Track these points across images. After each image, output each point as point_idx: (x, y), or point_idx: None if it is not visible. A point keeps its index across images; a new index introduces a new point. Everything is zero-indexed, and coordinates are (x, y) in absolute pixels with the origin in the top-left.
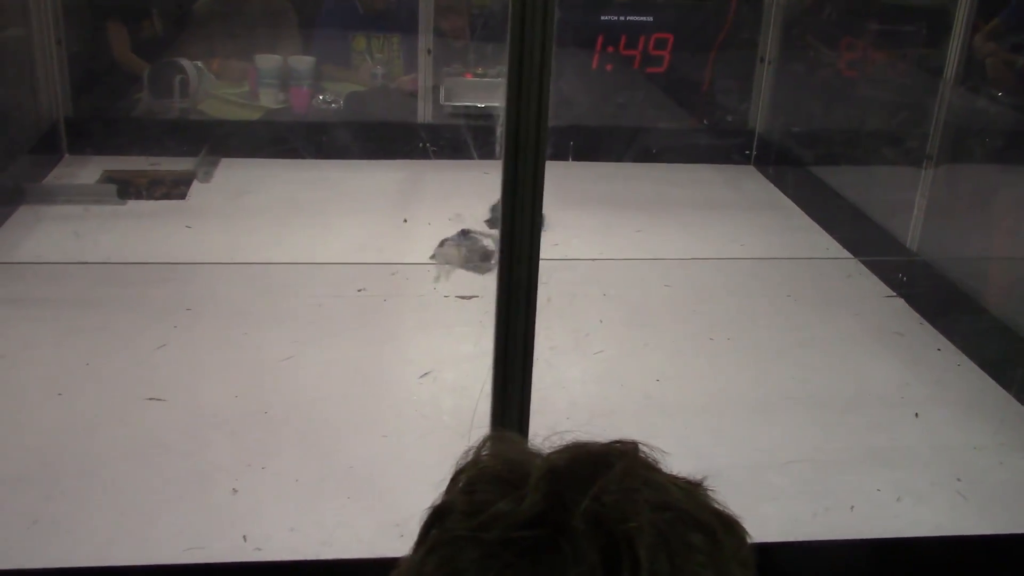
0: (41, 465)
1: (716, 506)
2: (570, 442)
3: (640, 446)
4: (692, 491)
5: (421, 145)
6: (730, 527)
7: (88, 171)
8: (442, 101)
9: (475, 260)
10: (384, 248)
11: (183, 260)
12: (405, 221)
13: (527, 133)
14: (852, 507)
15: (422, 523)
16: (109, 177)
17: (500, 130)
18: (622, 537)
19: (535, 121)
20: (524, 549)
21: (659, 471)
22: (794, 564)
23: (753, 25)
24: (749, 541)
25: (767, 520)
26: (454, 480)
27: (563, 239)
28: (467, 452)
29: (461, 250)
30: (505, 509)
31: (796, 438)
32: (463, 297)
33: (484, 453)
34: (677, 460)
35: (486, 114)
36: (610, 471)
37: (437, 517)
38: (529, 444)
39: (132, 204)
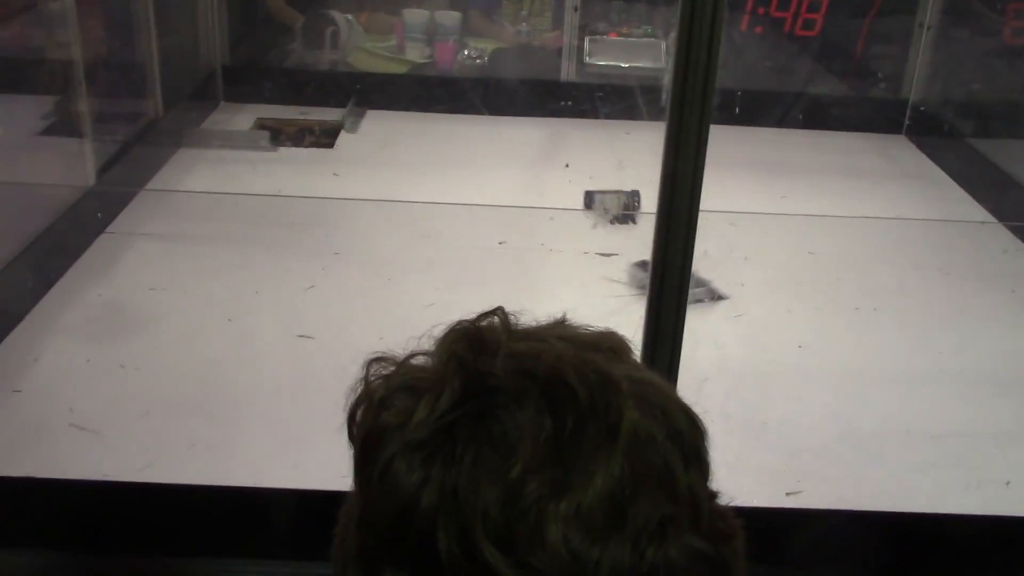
0: (198, 391)
1: (588, 327)
2: (444, 331)
3: (502, 308)
4: (566, 324)
5: (564, 103)
6: (612, 336)
7: (242, 118)
8: (586, 60)
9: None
10: (537, 194)
11: (332, 200)
12: (567, 166)
13: (694, 93)
14: (1008, 483)
15: (353, 459)
16: (261, 125)
17: (667, 86)
18: (548, 372)
19: (702, 81)
20: (469, 422)
21: (528, 324)
22: (942, 536)
23: None
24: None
25: (915, 490)
26: (352, 417)
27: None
28: (354, 387)
29: (620, 197)
30: (431, 405)
31: (947, 412)
32: (604, 254)
33: (372, 379)
34: (823, 424)
35: (629, 74)
36: (498, 332)
37: (371, 443)
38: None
39: (282, 151)
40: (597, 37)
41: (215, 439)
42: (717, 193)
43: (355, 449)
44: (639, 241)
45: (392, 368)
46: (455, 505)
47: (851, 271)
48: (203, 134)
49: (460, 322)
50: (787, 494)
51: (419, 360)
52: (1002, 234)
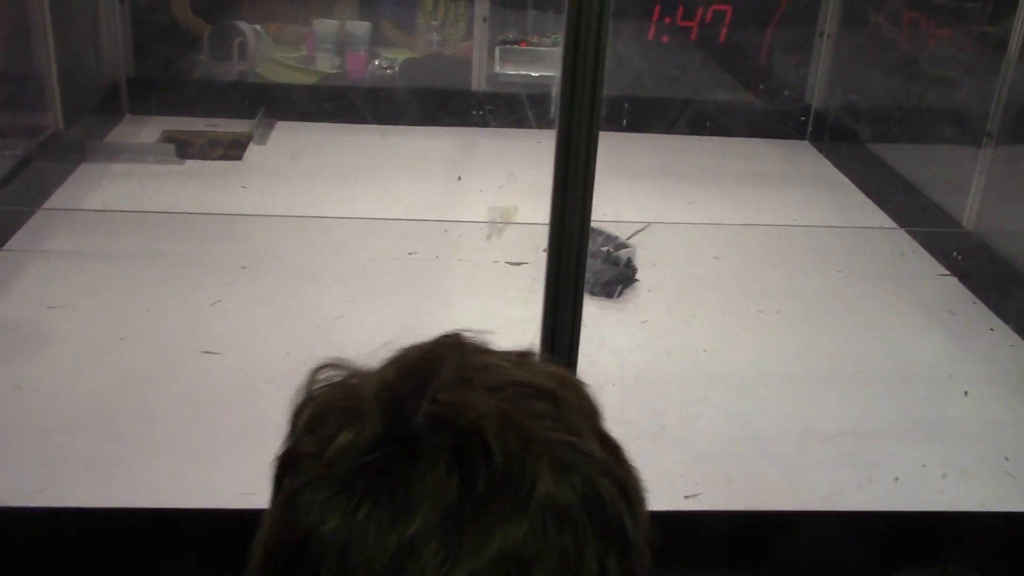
0: (98, 410)
1: (549, 368)
2: (397, 351)
3: (463, 333)
4: (524, 361)
5: (475, 112)
6: (566, 383)
7: (148, 131)
8: (496, 69)
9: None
10: (437, 207)
11: (239, 215)
12: (459, 179)
13: (582, 102)
14: (897, 479)
15: (272, 476)
16: (168, 137)
17: (555, 97)
18: (468, 429)
19: (590, 90)
20: (375, 472)
21: (489, 352)
22: (837, 534)
23: None
24: (588, 391)
25: (811, 489)
26: (293, 423)
27: (612, 209)
28: (301, 390)
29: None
30: (349, 439)
31: (842, 411)
32: (513, 263)
33: (316, 387)
34: (722, 427)
35: (540, 83)
36: (441, 368)
37: (287, 465)
38: (360, 363)
39: (190, 164)
40: (507, 47)
41: (116, 459)
42: (626, 201)
43: (277, 463)
44: None
45: (340, 376)
46: (342, 554)
47: (754, 275)
48: (107, 147)
49: (413, 348)
50: (686, 497)
51: (358, 381)
52: (900, 237)
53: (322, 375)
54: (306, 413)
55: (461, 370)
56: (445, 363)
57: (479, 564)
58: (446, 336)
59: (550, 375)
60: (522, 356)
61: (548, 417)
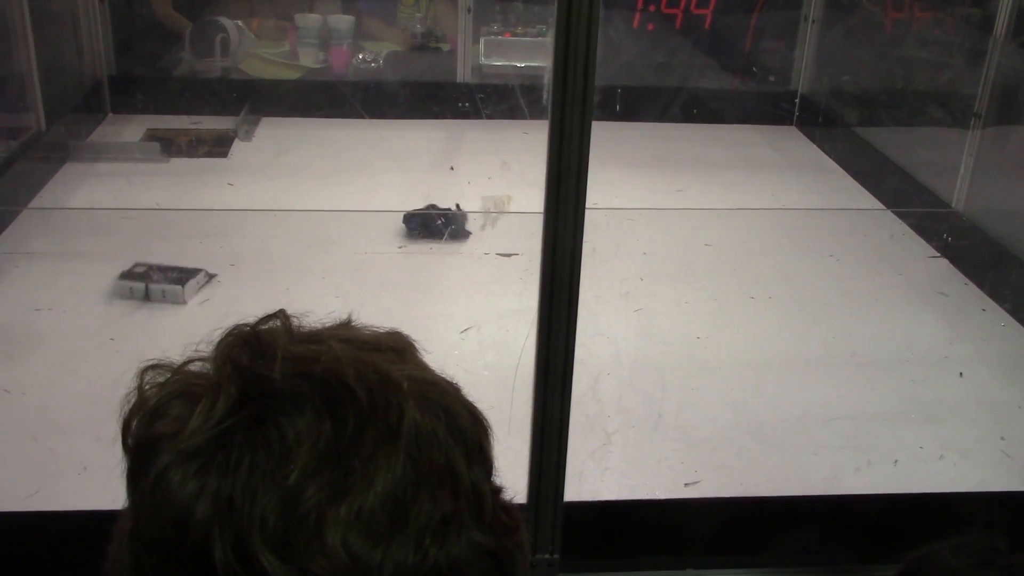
0: (90, 412)
1: (370, 330)
2: (221, 335)
3: (284, 311)
4: (351, 326)
5: (460, 104)
6: (401, 337)
7: (131, 129)
8: (481, 60)
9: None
10: (435, 197)
11: (226, 211)
12: (452, 169)
13: (574, 91)
14: (896, 462)
15: (125, 474)
16: (152, 135)
17: (547, 85)
18: (327, 374)
19: (582, 79)
20: (246, 429)
21: (312, 326)
22: (836, 517)
23: None
24: (417, 344)
25: (809, 473)
26: (128, 423)
27: (603, 199)
28: (128, 396)
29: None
30: (207, 409)
31: (838, 395)
32: (504, 255)
33: (147, 388)
34: (719, 414)
35: (525, 73)
36: (278, 334)
37: (144, 454)
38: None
39: (175, 162)
40: (492, 38)
41: (110, 462)
42: (616, 189)
43: (127, 460)
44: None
45: (167, 375)
46: (231, 514)
47: (746, 261)
48: (91, 147)
49: (238, 326)
50: (686, 484)
51: (196, 366)
52: (888, 219)
53: (148, 377)
54: (150, 403)
55: (299, 334)
56: (280, 332)
57: (367, 497)
58: (268, 315)
59: (384, 333)
60: (343, 323)
61: (396, 362)
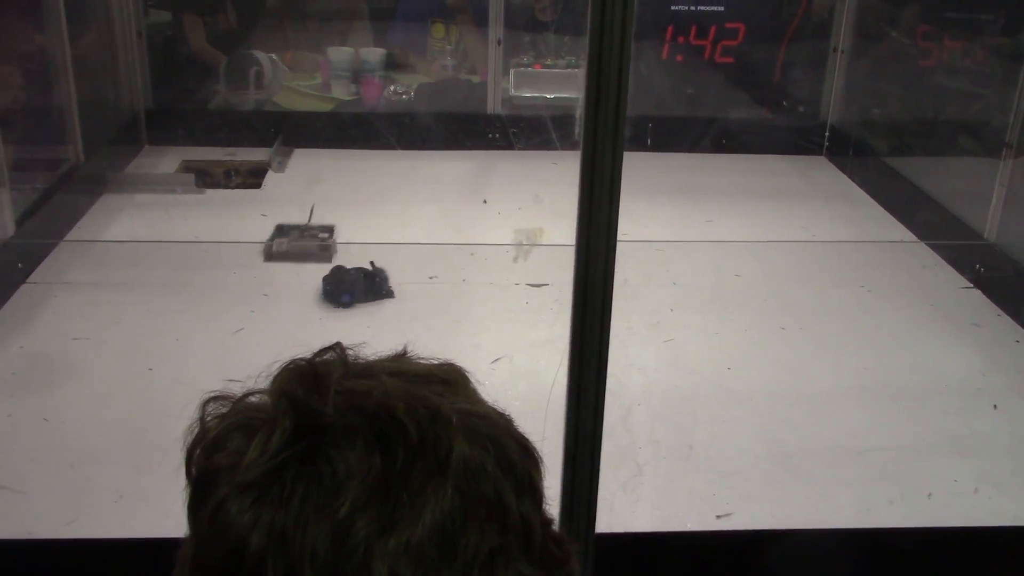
0: (127, 441)
1: (430, 360)
2: (276, 370)
3: (340, 344)
4: (404, 358)
5: (490, 136)
6: (453, 369)
7: (167, 161)
8: (511, 92)
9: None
10: (461, 229)
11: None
12: (485, 202)
13: (606, 123)
14: (929, 495)
15: (186, 504)
16: (187, 167)
17: (579, 118)
18: (378, 408)
19: (614, 111)
20: (298, 463)
21: (366, 358)
22: (869, 550)
23: (827, 14)
24: (470, 375)
25: (841, 506)
26: (191, 453)
27: (632, 229)
28: (191, 427)
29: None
30: (263, 443)
31: (871, 427)
32: (534, 285)
33: (209, 419)
34: (750, 445)
35: (555, 104)
36: (332, 368)
37: (204, 485)
38: (239, 390)
39: (209, 193)
40: (521, 69)
41: (146, 490)
42: (647, 220)
43: (189, 490)
44: None
45: (228, 407)
46: (283, 546)
47: (776, 292)
48: (127, 178)
49: (294, 360)
50: (717, 517)
51: (254, 399)
52: (921, 250)
53: (210, 408)
54: (210, 435)
55: (354, 367)
56: (335, 365)
57: (415, 530)
58: (325, 348)
59: (437, 365)
60: (398, 355)
61: (442, 395)
